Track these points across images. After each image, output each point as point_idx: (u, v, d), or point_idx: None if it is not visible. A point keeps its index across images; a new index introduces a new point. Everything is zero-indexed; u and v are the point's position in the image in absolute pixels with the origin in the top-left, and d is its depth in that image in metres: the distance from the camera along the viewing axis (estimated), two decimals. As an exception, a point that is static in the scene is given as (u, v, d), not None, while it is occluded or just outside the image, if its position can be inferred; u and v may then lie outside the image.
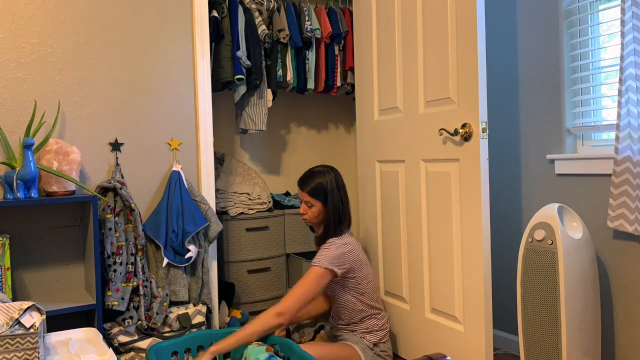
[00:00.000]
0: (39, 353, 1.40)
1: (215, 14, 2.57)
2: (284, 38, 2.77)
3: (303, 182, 2.22)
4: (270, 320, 1.96)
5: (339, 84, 2.98)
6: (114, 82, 2.21)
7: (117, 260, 2.04)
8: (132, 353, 2.05)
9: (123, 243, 2.07)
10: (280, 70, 2.81)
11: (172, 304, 2.22)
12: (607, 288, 2.17)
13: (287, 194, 3.15)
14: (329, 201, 2.18)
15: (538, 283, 1.98)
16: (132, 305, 2.05)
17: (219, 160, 2.88)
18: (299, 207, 2.90)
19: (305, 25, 2.83)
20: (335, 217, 2.19)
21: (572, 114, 2.36)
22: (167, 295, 2.16)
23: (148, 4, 2.28)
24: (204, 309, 2.24)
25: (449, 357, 1.82)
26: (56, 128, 2.10)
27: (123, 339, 2.03)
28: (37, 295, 2.07)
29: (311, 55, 2.89)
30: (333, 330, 2.32)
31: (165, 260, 2.18)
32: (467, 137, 2.07)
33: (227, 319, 2.50)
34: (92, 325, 2.02)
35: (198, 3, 2.36)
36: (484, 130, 2.02)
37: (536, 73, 2.45)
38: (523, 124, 2.52)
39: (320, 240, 2.23)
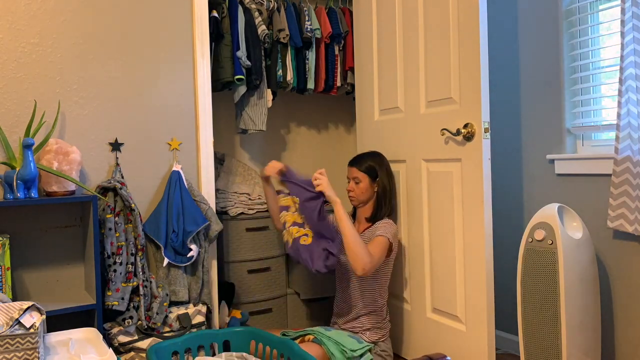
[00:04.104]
0: (39, 353, 1.40)
1: (215, 14, 2.57)
2: (284, 38, 2.77)
3: (354, 160, 2.34)
4: (365, 258, 2.04)
5: (339, 84, 2.98)
6: (114, 82, 2.21)
7: (117, 260, 2.04)
8: (132, 353, 2.04)
9: (123, 243, 2.07)
10: (280, 70, 2.81)
11: (172, 304, 2.22)
12: (607, 288, 2.17)
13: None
14: (378, 179, 2.29)
15: (538, 283, 1.98)
16: (132, 305, 2.05)
17: (219, 160, 2.88)
18: None
19: (305, 25, 2.83)
20: (385, 196, 2.29)
21: (572, 114, 2.36)
22: (167, 295, 2.15)
23: (148, 4, 2.27)
24: (204, 309, 2.24)
25: (449, 357, 1.82)
26: (56, 128, 2.10)
27: (123, 339, 2.03)
28: (37, 295, 2.07)
29: (311, 55, 2.89)
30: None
31: (166, 260, 2.18)
32: (469, 137, 2.07)
33: (227, 319, 2.50)
34: (92, 325, 2.01)
35: (198, 3, 2.36)
36: (486, 130, 2.02)
37: (536, 73, 2.46)
38: (523, 124, 2.52)
39: (371, 219, 2.31)
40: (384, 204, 2.29)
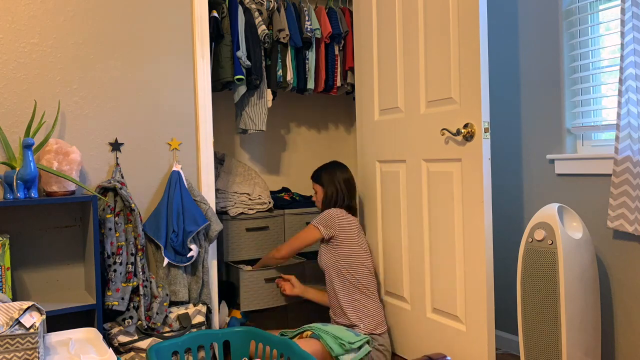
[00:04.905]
0: (39, 353, 1.40)
1: (215, 14, 2.57)
2: (284, 38, 2.77)
3: (313, 173, 2.64)
4: (271, 254, 2.56)
5: (339, 84, 2.98)
6: (114, 82, 2.21)
7: (117, 260, 2.04)
8: (132, 353, 2.04)
9: (123, 243, 2.07)
10: (280, 70, 2.81)
11: (172, 304, 2.22)
12: (607, 288, 2.17)
13: (283, 189, 3.15)
14: (325, 185, 2.55)
15: (538, 283, 1.98)
16: (132, 305, 2.05)
17: (219, 160, 2.88)
18: (300, 203, 2.94)
19: (305, 25, 2.83)
20: (329, 197, 2.53)
21: (572, 114, 2.36)
22: (167, 295, 2.15)
23: (148, 4, 2.27)
24: (204, 309, 2.24)
25: (449, 357, 1.82)
26: (56, 128, 2.10)
27: (123, 339, 2.03)
28: (37, 295, 2.07)
29: (311, 55, 2.89)
30: None
31: (166, 260, 2.18)
32: (469, 137, 2.07)
33: (227, 319, 2.50)
34: (92, 325, 2.01)
35: (198, 3, 2.36)
36: (486, 130, 2.02)
37: (536, 73, 2.46)
38: (524, 124, 2.52)
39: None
40: (326, 203, 2.54)
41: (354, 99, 3.01)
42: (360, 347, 2.10)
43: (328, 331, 2.12)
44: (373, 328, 2.27)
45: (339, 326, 2.20)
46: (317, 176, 2.59)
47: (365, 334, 2.21)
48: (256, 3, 2.81)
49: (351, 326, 2.29)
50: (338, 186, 2.54)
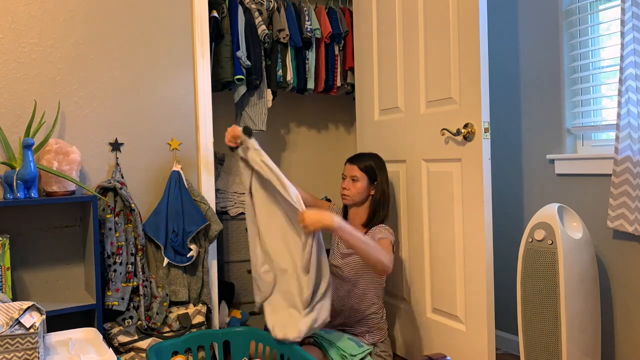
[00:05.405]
0: (39, 353, 1.40)
1: (215, 14, 2.57)
2: (284, 38, 2.77)
3: (355, 158, 2.28)
4: (387, 262, 1.93)
5: (339, 84, 2.98)
6: (114, 82, 2.21)
7: (117, 260, 2.04)
8: (132, 353, 2.04)
9: (123, 243, 2.07)
10: (280, 70, 2.81)
11: (172, 304, 2.22)
12: (607, 288, 2.17)
13: None
14: (377, 182, 2.23)
15: (538, 283, 1.98)
16: (132, 305, 2.05)
17: (219, 160, 2.88)
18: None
19: (305, 25, 2.83)
20: (384, 201, 2.23)
21: (572, 114, 2.36)
22: (167, 295, 2.15)
23: (148, 4, 2.27)
24: (204, 309, 2.24)
25: (449, 357, 1.82)
26: (56, 128, 2.10)
27: (123, 339, 2.03)
28: (37, 295, 2.07)
29: (311, 55, 2.89)
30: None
31: (166, 260, 2.18)
32: (469, 137, 2.07)
33: (227, 319, 2.50)
34: (92, 325, 2.01)
35: (198, 3, 2.36)
36: (486, 130, 2.02)
37: (536, 73, 2.46)
38: (524, 124, 2.52)
39: (367, 224, 2.23)
40: (381, 209, 2.22)
41: (354, 99, 3.01)
42: (362, 359, 2.06)
43: (331, 341, 2.07)
44: (377, 339, 2.25)
45: (341, 334, 2.12)
46: (369, 167, 2.23)
47: (368, 345, 2.18)
48: (256, 3, 2.81)
49: (355, 335, 2.25)
50: (388, 185, 2.26)
